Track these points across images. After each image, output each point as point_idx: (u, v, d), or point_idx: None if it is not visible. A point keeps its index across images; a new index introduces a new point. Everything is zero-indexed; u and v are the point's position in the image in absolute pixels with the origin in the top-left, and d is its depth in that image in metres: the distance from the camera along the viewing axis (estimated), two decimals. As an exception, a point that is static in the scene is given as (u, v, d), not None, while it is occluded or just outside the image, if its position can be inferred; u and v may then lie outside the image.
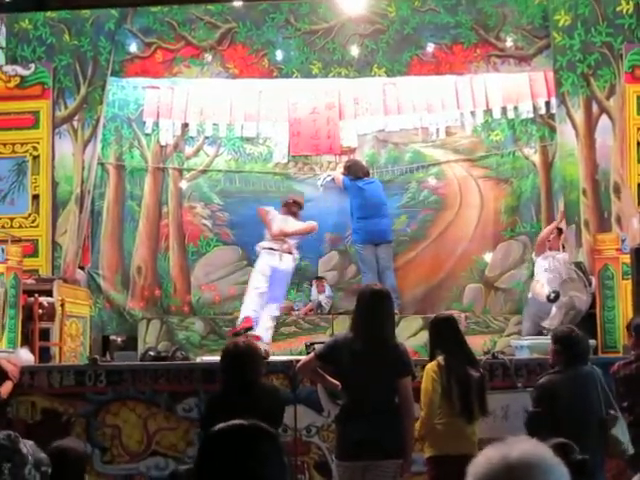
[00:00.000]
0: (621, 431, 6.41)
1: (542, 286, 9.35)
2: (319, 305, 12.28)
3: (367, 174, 12.18)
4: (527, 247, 12.24)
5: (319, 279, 12.48)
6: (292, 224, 11.04)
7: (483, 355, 8.37)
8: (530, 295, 10.41)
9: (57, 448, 4.55)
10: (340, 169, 12.51)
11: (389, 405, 6.12)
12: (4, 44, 12.26)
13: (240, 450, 2.51)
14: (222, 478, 2.50)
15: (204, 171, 12.98)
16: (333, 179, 12.52)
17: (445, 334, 6.78)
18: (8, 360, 8.16)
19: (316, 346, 7.76)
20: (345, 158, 12.91)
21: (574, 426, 5.61)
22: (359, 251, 12.03)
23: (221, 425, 2.59)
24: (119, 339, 11.61)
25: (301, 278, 12.51)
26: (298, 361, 6.93)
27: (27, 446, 4.11)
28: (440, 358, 6.63)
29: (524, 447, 2.21)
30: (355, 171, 12.12)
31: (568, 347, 6.65)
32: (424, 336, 11.01)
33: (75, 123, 11.70)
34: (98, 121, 11.75)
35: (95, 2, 11.55)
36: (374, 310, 6.16)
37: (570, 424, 5.88)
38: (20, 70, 11.61)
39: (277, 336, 11.30)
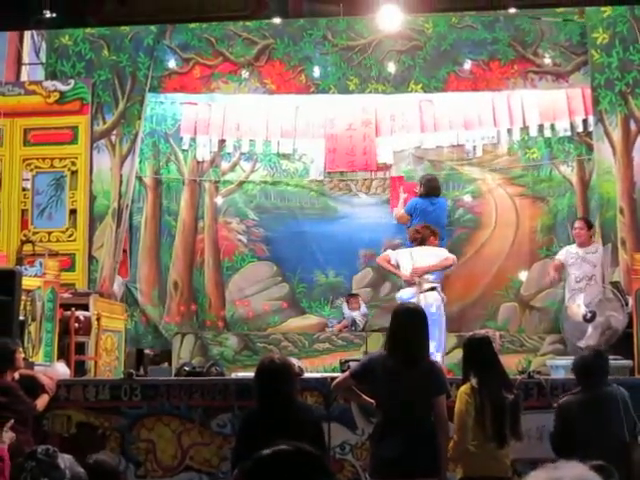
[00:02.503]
0: None
1: (578, 306, 9.29)
2: (353, 322, 12.24)
3: (438, 195, 11.90)
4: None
5: (352, 296, 12.43)
6: (421, 257, 10.13)
7: (518, 374, 8.31)
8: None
9: (94, 462, 4.56)
10: (396, 210, 12.31)
11: (424, 424, 6.10)
12: (44, 60, 12.40)
13: (290, 476, 2.50)
14: None
15: (240, 185, 13.00)
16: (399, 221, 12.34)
17: (479, 355, 6.73)
18: (44, 373, 8.20)
19: (351, 364, 7.74)
20: (380, 175, 12.90)
21: (591, 448, 5.53)
22: None
23: (268, 450, 2.56)
24: (152, 353, 11.66)
25: (335, 294, 12.53)
26: (332, 378, 6.93)
27: (65, 460, 4.12)
28: (474, 381, 6.58)
29: (575, 472, 2.19)
30: (431, 188, 11.78)
31: (578, 371, 6.70)
32: (458, 354, 10.90)
33: (113, 138, 11.81)
34: (136, 136, 11.84)
35: (134, 19, 11.66)
36: (408, 328, 6.15)
37: (587, 446, 5.83)
38: (59, 86, 11.72)
39: (310, 353, 11.31)
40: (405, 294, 9.88)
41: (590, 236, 10.84)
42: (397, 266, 10.08)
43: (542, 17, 11.98)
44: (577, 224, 11.04)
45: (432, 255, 10.01)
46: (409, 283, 9.90)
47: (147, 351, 11.79)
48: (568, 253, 10.81)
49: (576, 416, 6.54)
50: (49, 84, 11.80)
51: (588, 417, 6.49)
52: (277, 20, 12.02)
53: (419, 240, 10.16)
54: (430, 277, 9.91)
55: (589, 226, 10.88)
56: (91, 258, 11.47)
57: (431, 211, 11.67)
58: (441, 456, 6.13)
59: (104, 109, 11.87)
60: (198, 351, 11.60)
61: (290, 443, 2.58)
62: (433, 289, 9.85)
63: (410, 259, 9.96)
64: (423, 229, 10.29)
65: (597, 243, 11.02)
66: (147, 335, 12.23)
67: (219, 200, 12.95)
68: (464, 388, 6.63)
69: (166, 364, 11.36)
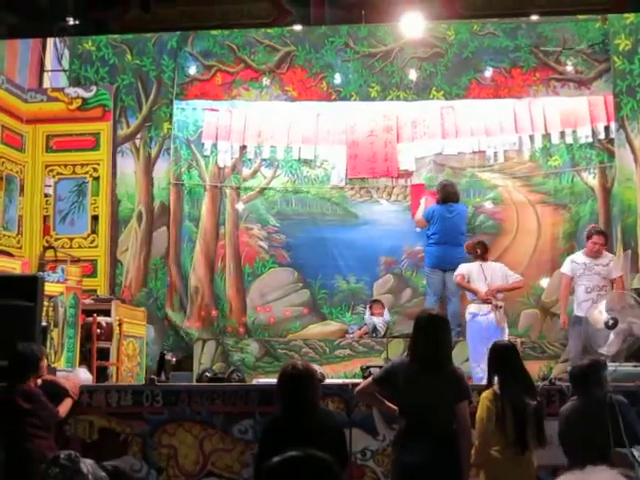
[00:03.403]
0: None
1: (600, 312, 9.23)
2: (374, 328, 12.23)
3: (456, 201, 12.08)
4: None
5: (375, 302, 12.43)
6: (494, 274, 10.48)
7: (540, 381, 8.30)
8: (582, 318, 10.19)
9: (115, 468, 4.58)
10: (417, 214, 12.48)
11: (446, 430, 6.09)
12: (67, 66, 12.48)
13: None
14: None
15: (261, 191, 13.02)
16: (417, 225, 12.54)
17: (503, 362, 6.77)
18: (67, 379, 8.24)
19: (372, 370, 7.75)
20: (402, 181, 12.91)
21: (579, 455, 5.52)
22: (427, 274, 12.05)
23: (278, 457, 2.61)
24: (174, 359, 11.67)
25: (356, 301, 12.54)
26: (354, 384, 6.93)
27: (87, 465, 4.14)
28: (496, 386, 6.62)
29: (603, 477, 2.19)
30: (447, 194, 12.01)
31: (571, 379, 6.76)
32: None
33: (137, 141, 11.87)
34: (165, 138, 11.92)
35: (157, 26, 11.70)
36: (431, 335, 6.15)
37: (575, 452, 5.84)
38: (82, 92, 11.81)
39: (332, 359, 11.32)
40: (474, 309, 10.29)
41: (604, 248, 10.71)
42: (467, 280, 10.41)
43: (564, 23, 11.97)
44: (597, 239, 10.53)
45: (501, 272, 10.43)
46: (483, 301, 10.23)
47: (168, 357, 11.80)
48: (574, 264, 10.53)
49: (567, 421, 6.61)
50: (71, 91, 11.89)
51: (576, 424, 6.53)
52: (298, 27, 12.04)
53: (480, 255, 10.51)
54: (500, 295, 10.33)
55: (606, 238, 10.70)
56: (116, 262, 11.52)
57: (449, 217, 11.78)
58: (463, 462, 6.13)
59: (128, 113, 11.98)
60: (219, 357, 11.62)
61: (301, 449, 2.61)
62: (501, 307, 10.21)
63: (482, 274, 10.35)
64: (481, 245, 10.62)
65: (609, 254, 10.82)
66: (169, 339, 12.21)
67: (240, 206, 12.98)
68: (486, 394, 6.68)
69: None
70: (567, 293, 10.58)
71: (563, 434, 6.68)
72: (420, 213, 12.32)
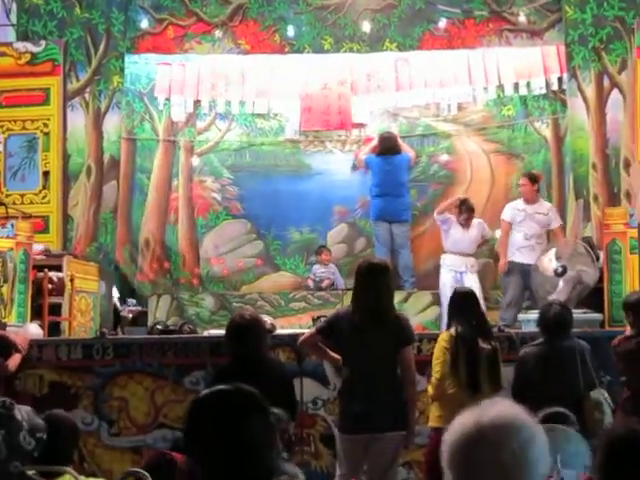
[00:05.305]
0: (601, 412, 6.46)
1: (549, 260, 9.31)
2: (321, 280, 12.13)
3: (393, 153, 12.15)
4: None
5: (322, 248, 12.31)
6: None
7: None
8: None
9: (51, 415, 4.58)
10: (361, 149, 12.62)
11: (391, 376, 6.15)
12: (15, 21, 12.30)
13: (223, 414, 2.56)
14: (206, 442, 2.54)
15: (215, 145, 12.95)
16: (357, 163, 12.63)
17: (462, 307, 7.00)
18: (16, 334, 8.21)
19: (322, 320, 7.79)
20: (356, 133, 12.90)
21: (547, 400, 5.57)
22: (373, 226, 12.14)
23: (207, 390, 2.68)
24: (130, 314, 11.65)
25: (309, 251, 12.55)
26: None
27: (22, 412, 4.14)
28: (452, 329, 6.77)
29: (497, 409, 2.22)
30: (384, 147, 12.17)
31: (541, 323, 6.83)
32: (434, 312, 11.07)
33: (87, 96, 11.74)
34: (115, 91, 11.80)
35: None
36: (371, 283, 6.18)
37: (543, 397, 5.90)
38: (30, 47, 11.65)
39: (287, 311, 11.35)
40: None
41: (535, 191, 10.81)
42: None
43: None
44: (521, 180, 11.09)
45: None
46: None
47: (124, 313, 11.77)
48: (514, 210, 10.77)
49: (533, 367, 6.68)
50: (20, 45, 11.72)
51: (544, 369, 6.62)
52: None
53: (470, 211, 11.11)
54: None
55: (533, 181, 10.85)
56: (67, 217, 11.44)
57: (388, 170, 11.98)
58: (409, 408, 6.20)
59: (77, 67, 11.81)
60: (174, 312, 11.59)
61: (231, 383, 2.65)
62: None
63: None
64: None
65: (546, 202, 11.04)
66: (121, 294, 12.11)
67: (194, 159, 12.90)
68: (443, 335, 6.96)
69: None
70: (506, 240, 10.75)
71: (527, 378, 6.72)
72: (363, 153, 12.47)
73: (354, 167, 12.78)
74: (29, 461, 4.16)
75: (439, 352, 6.84)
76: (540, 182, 11.04)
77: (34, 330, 8.78)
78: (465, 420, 2.21)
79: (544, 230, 10.68)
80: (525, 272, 10.35)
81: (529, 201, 10.73)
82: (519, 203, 10.79)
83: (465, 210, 11.04)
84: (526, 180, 10.86)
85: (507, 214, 10.80)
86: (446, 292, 9.95)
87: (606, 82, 11.19)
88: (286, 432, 5.70)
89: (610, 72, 11.18)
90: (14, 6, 12.43)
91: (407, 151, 12.34)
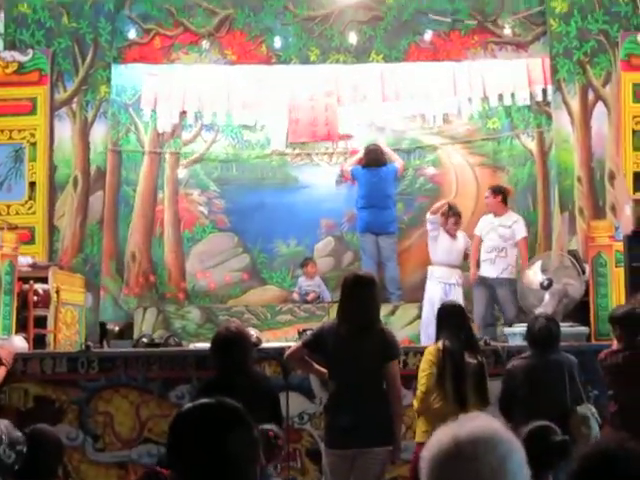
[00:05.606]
0: (588, 426, 6.48)
1: (535, 273, 9.34)
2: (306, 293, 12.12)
3: (379, 164, 12.17)
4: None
5: (308, 260, 12.29)
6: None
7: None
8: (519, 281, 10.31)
9: (35, 430, 4.57)
10: (347, 161, 12.63)
11: (376, 391, 6.15)
12: (2, 30, 12.26)
13: (205, 428, 2.57)
14: (189, 456, 2.55)
15: (201, 157, 12.91)
16: (343, 175, 12.62)
17: (450, 320, 6.99)
18: (1, 347, 8.17)
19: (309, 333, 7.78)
20: (342, 144, 12.91)
21: (534, 413, 5.60)
22: (360, 239, 12.15)
23: (190, 404, 2.70)
24: (116, 327, 11.61)
25: (295, 265, 12.51)
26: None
27: (1, 426, 4.12)
28: (440, 342, 6.78)
29: (474, 424, 2.22)
30: (369, 159, 12.22)
31: (528, 336, 6.85)
32: (419, 325, 11.06)
33: (74, 106, 11.72)
34: (102, 101, 11.78)
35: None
36: (356, 295, 6.18)
37: (530, 411, 5.92)
38: (18, 56, 11.61)
39: (273, 324, 11.33)
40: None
41: (499, 203, 10.90)
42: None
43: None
44: (485, 193, 11.21)
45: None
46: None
47: (110, 325, 11.72)
48: (484, 222, 10.97)
49: (521, 381, 6.68)
50: (7, 55, 11.68)
51: (532, 382, 6.62)
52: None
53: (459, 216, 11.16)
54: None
55: (496, 193, 10.94)
56: (53, 228, 11.41)
57: (375, 182, 12.02)
58: (395, 423, 6.20)
59: (64, 77, 11.78)
60: (160, 324, 11.54)
61: (214, 397, 2.67)
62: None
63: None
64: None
65: (515, 214, 11.06)
66: (107, 309, 12.09)
67: (180, 171, 12.86)
68: (430, 348, 6.96)
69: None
70: (476, 252, 10.91)
71: (514, 391, 6.74)
72: (349, 164, 12.50)
73: (340, 180, 12.77)
74: (10, 475, 4.14)
75: (425, 365, 6.86)
76: (507, 194, 11.07)
77: (19, 343, 8.74)
78: (442, 435, 2.22)
79: (509, 243, 10.71)
80: (488, 286, 10.49)
81: (495, 213, 10.87)
82: (490, 216, 10.90)
83: (453, 214, 11.06)
84: (489, 192, 11.01)
85: (478, 227, 11.02)
86: (434, 305, 9.93)
87: (591, 95, 11.25)
88: (282, 449, 5.71)
89: (595, 85, 11.24)
90: (2, 15, 12.38)
91: (394, 160, 12.37)
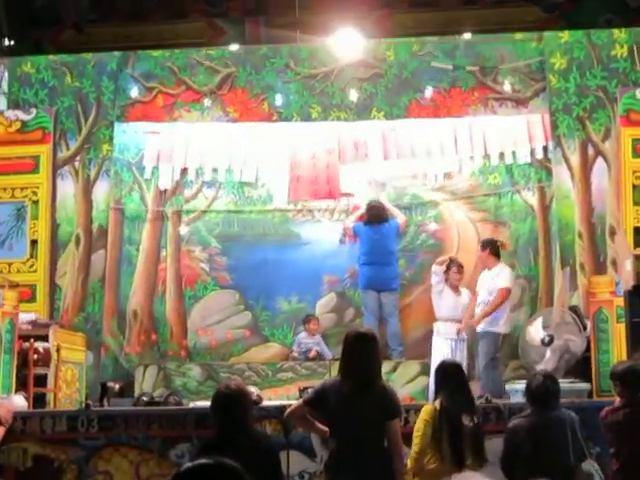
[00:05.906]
0: None
1: (536, 330, 9.32)
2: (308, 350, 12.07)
3: (381, 221, 12.23)
4: (525, 291, 12.13)
5: (311, 317, 12.27)
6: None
7: (477, 399, 8.33)
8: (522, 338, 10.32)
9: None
10: (348, 218, 12.66)
11: (378, 449, 6.07)
12: (6, 89, 12.37)
13: None
14: None
15: (203, 213, 12.94)
16: (346, 233, 12.64)
17: (448, 380, 6.92)
18: (0, 405, 8.13)
19: (310, 391, 7.73)
20: (344, 202, 12.93)
21: (537, 472, 5.55)
22: (362, 295, 12.16)
23: (189, 464, 2.64)
24: (116, 386, 11.54)
25: (297, 321, 12.47)
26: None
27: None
28: (437, 402, 6.72)
29: None
30: (371, 216, 12.28)
31: (528, 394, 6.81)
32: (422, 382, 11.00)
33: (77, 164, 11.80)
34: (104, 160, 11.86)
35: (91, 47, 11.67)
36: (358, 353, 6.14)
37: (533, 469, 5.86)
38: (21, 115, 11.72)
39: (274, 382, 11.26)
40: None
41: (487, 257, 11.06)
42: None
43: (501, 43, 12.10)
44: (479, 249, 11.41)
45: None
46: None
47: (110, 384, 11.66)
48: (480, 279, 11.17)
49: (523, 439, 6.62)
50: (11, 113, 11.79)
51: (534, 440, 6.56)
52: (235, 47, 12.05)
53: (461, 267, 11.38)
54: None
55: (484, 246, 11.14)
56: (55, 287, 11.42)
57: (377, 239, 12.05)
58: (396, 480, 6.14)
59: (67, 136, 11.91)
60: (161, 382, 11.46)
61: (213, 457, 2.63)
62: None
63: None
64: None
65: (500, 265, 11.07)
66: (108, 367, 12.03)
67: (182, 228, 12.89)
68: (426, 407, 6.89)
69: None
70: (472, 308, 11.09)
71: (517, 450, 6.68)
72: (351, 221, 12.53)
73: (343, 239, 12.74)
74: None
75: (420, 424, 6.78)
76: (496, 246, 11.17)
77: (19, 402, 8.70)
78: None
79: (494, 295, 10.74)
80: (475, 339, 10.59)
81: (487, 267, 11.02)
82: (485, 271, 11.04)
83: (455, 265, 11.14)
84: (479, 246, 11.23)
85: (477, 283, 11.17)
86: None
87: (590, 150, 11.32)
88: None
89: (594, 140, 11.31)
90: (6, 74, 12.52)
91: (396, 216, 12.39)
